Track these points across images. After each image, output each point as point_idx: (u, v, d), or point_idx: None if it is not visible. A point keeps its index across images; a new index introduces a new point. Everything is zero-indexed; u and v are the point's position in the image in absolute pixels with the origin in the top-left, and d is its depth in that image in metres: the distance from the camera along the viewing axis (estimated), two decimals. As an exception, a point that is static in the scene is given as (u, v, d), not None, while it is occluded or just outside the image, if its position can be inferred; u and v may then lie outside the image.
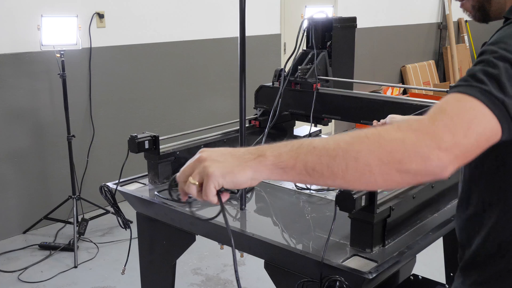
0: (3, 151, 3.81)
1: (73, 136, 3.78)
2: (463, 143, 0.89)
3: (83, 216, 3.91)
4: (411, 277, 1.74)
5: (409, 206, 1.71)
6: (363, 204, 1.52)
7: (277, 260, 1.69)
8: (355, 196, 1.49)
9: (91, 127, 4.20)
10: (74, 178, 3.83)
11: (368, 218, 1.56)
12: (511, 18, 1.08)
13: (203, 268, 3.50)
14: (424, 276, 1.78)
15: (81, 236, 3.81)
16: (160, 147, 2.15)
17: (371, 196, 1.53)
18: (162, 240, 2.13)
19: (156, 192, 2.05)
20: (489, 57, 0.96)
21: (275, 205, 2.03)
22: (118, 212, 2.12)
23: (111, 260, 3.59)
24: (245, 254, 1.99)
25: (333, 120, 2.56)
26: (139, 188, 2.14)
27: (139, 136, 2.09)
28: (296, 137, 2.67)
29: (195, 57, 4.88)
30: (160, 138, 2.14)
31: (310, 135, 2.71)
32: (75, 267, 3.50)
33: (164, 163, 2.15)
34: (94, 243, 3.80)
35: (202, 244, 3.77)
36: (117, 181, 2.13)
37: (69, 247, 3.67)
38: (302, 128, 2.74)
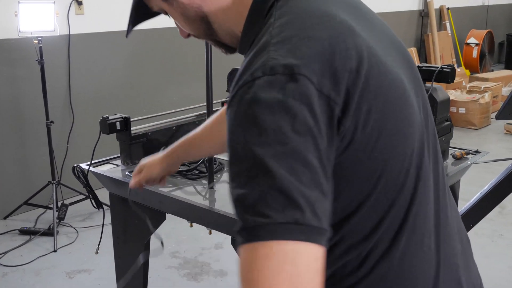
0: (-18, 137, 3.83)
1: (52, 122, 3.80)
2: None
3: (63, 201, 3.95)
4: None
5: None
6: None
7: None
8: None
9: (70, 113, 4.22)
10: (53, 163, 3.86)
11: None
12: (246, 54, 0.86)
13: (181, 252, 3.55)
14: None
15: (61, 221, 3.84)
16: (133, 128, 2.19)
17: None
18: (135, 220, 2.17)
19: (127, 172, 2.10)
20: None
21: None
22: (90, 193, 2.16)
23: (90, 244, 3.63)
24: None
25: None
26: (112, 169, 2.18)
27: (110, 117, 2.13)
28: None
29: (173, 43, 4.90)
30: (131, 119, 2.18)
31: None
32: (55, 251, 3.54)
33: (136, 144, 2.19)
34: (74, 228, 3.84)
35: (181, 229, 3.85)
36: (89, 162, 2.17)
37: (49, 232, 3.71)
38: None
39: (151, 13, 1.05)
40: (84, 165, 2.17)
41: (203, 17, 0.93)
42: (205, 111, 2.53)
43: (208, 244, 3.63)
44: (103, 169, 2.17)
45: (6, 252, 3.50)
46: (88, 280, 3.23)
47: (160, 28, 4.76)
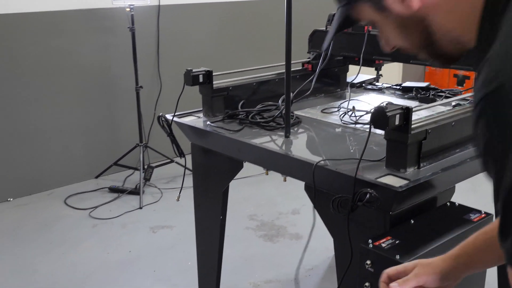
0: (75, 101, 4.09)
1: (141, 87, 3.99)
2: None
3: (149, 164, 4.14)
4: (448, 203, 1.79)
5: (448, 133, 1.75)
6: (397, 123, 1.58)
7: (315, 181, 1.78)
8: (388, 114, 1.56)
9: (158, 80, 4.41)
10: (141, 127, 4.06)
11: (402, 138, 1.61)
12: (486, 49, 0.73)
13: (259, 215, 3.64)
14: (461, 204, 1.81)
15: (147, 182, 4.05)
16: (215, 83, 2.28)
17: (406, 116, 1.59)
18: (214, 169, 2.27)
19: (209, 122, 2.19)
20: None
21: (319, 135, 2.11)
22: (174, 141, 2.27)
23: (173, 204, 3.78)
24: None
25: (384, 63, 2.60)
26: (194, 120, 2.28)
27: (194, 70, 2.22)
28: (349, 84, 2.71)
29: (257, 15, 4.97)
30: (214, 74, 2.26)
31: (362, 84, 2.76)
32: (140, 208, 3.74)
33: (217, 98, 2.28)
34: (158, 188, 4.03)
35: (260, 193, 3.94)
36: (173, 114, 2.28)
37: (136, 191, 3.92)
38: (355, 76, 2.78)
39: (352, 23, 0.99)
40: (168, 116, 2.28)
41: (425, 28, 0.85)
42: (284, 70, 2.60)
43: (285, 209, 3.70)
44: (186, 120, 2.28)
45: (96, 207, 3.74)
46: (170, 235, 3.39)
47: (244, 1, 4.85)
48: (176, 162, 4.26)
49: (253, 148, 1.97)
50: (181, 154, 2.30)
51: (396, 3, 0.83)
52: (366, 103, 2.38)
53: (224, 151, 2.14)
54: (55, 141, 4.06)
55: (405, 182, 1.57)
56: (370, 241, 1.52)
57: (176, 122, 2.26)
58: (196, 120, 2.27)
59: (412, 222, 1.65)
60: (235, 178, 2.23)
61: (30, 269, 3.01)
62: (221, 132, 2.08)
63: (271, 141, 1.99)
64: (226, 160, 2.16)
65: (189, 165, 2.42)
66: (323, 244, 3.22)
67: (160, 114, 2.25)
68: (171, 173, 4.28)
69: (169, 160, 4.24)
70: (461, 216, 1.70)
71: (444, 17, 0.82)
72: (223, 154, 2.15)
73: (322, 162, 1.71)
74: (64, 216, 3.64)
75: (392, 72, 5.70)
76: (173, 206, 3.77)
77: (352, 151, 1.90)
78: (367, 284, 1.52)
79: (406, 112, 1.58)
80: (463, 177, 1.83)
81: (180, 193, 2.39)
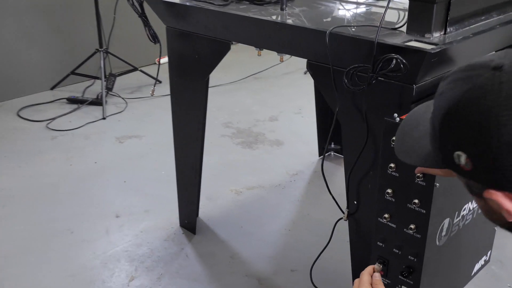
0: (25, 4, 3.64)
1: (98, -14, 3.57)
2: None
3: (111, 72, 3.78)
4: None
5: (475, -5, 1.50)
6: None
7: (320, 55, 1.51)
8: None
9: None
10: (100, 29, 3.67)
11: (430, -5, 1.35)
12: None
13: (234, 123, 3.39)
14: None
15: (109, 92, 3.71)
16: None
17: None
18: (194, 55, 1.97)
19: (187, -2, 1.87)
20: None
21: (318, 9, 1.82)
22: (146, 22, 1.95)
23: (141, 114, 3.50)
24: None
25: None
26: (169, -3, 1.95)
27: None
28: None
29: None
30: None
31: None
32: (104, 118, 3.43)
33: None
34: (123, 98, 3.71)
35: (233, 102, 3.68)
36: (144, -10, 1.94)
37: (97, 101, 3.59)
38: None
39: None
40: (139, -8, 1.94)
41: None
42: None
43: (262, 117, 3.45)
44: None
45: (54, 118, 3.41)
46: (139, 145, 3.11)
47: None
48: (141, 70, 3.92)
49: (245, 22, 1.68)
50: (155, 38, 1.98)
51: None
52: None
53: (207, 33, 1.84)
54: (3, 49, 3.64)
55: (434, 46, 1.33)
56: (395, 115, 1.29)
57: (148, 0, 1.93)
58: (172, -3, 1.94)
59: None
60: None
61: (-16, 182, 2.71)
62: (204, 6, 1.77)
63: (265, 14, 1.70)
64: (209, 43, 1.87)
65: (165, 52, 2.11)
66: (306, 149, 3.02)
67: (130, -11, 1.91)
68: (136, 82, 3.95)
69: (132, 68, 3.89)
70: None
71: None
72: (206, 36, 1.85)
73: (337, 29, 1.44)
74: (18, 129, 3.30)
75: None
76: (140, 116, 3.46)
77: (360, 21, 1.63)
78: (392, 165, 1.30)
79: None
80: (490, 47, 1.60)
81: (154, 86, 2.10)
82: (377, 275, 1.26)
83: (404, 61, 1.30)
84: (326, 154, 2.99)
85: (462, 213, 1.44)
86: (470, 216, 1.49)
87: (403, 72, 1.31)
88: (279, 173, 2.80)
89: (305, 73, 4.19)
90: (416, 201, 1.28)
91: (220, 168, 2.84)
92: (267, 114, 3.47)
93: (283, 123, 3.35)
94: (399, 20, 1.60)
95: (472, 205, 1.47)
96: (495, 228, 1.69)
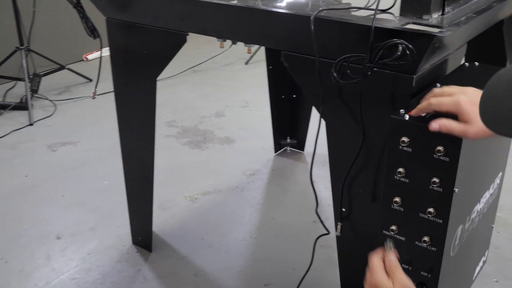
0: None
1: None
2: None
3: (35, 72, 3.41)
4: (466, 64, 1.40)
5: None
6: None
7: (300, 45, 1.30)
8: None
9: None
10: (20, 26, 3.29)
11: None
12: None
13: (178, 121, 3.13)
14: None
15: (35, 94, 3.34)
16: None
17: None
18: (142, 50, 1.71)
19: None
20: None
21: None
22: (83, 15, 1.67)
23: (72, 117, 3.16)
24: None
25: None
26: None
27: None
28: None
29: None
30: None
31: None
32: (31, 124, 3.07)
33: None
34: (50, 101, 3.35)
35: (174, 98, 3.41)
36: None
37: (22, 105, 3.22)
38: None
39: None
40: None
41: None
42: None
43: (207, 113, 3.21)
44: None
45: (-27, 128, 3.02)
46: (74, 152, 2.79)
47: None
48: (68, 69, 3.56)
49: (206, 9, 1.44)
50: (94, 32, 1.71)
51: None
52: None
53: (157, 23, 1.59)
54: None
55: (441, 29, 1.14)
56: (402, 111, 1.10)
57: (83, -12, 1.65)
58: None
59: (439, 86, 1.24)
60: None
61: None
62: (155, -7, 1.51)
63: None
64: (161, 35, 1.61)
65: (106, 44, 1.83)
66: (260, 145, 2.82)
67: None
68: (63, 82, 3.59)
69: (59, 67, 3.53)
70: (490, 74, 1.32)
71: None
72: (156, 27, 1.60)
73: (323, 13, 1.23)
74: None
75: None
76: (72, 120, 3.13)
77: (335, 4, 1.43)
78: (400, 170, 1.11)
79: None
80: (489, 25, 1.45)
81: (96, 87, 1.82)
82: (393, 258, 1.01)
83: (410, 46, 1.11)
84: (281, 150, 2.80)
85: (472, 217, 1.28)
86: (477, 218, 1.33)
87: (409, 59, 1.12)
88: (235, 174, 2.58)
89: (246, 63, 3.98)
90: (431, 210, 1.10)
91: (169, 172, 2.58)
92: (213, 110, 3.23)
93: (231, 119, 3.12)
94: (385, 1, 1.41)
95: (479, 206, 1.31)
96: (492, 225, 1.56)
